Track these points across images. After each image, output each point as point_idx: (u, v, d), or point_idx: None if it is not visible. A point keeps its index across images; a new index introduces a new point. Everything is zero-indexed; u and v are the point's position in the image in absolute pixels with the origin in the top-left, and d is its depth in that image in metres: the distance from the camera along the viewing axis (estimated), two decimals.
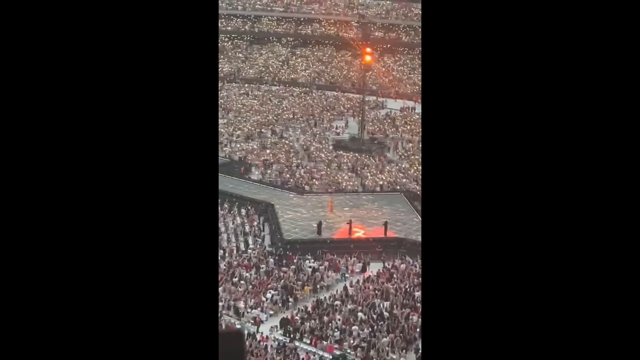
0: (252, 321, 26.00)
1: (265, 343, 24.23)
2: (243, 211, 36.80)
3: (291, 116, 58.47)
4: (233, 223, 35.55)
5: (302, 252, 31.82)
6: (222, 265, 30.58)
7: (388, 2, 76.88)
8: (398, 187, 41.16)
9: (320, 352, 23.97)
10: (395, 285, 28.31)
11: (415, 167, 44.11)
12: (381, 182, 42.01)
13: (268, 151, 48.02)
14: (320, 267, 30.51)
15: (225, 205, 37.29)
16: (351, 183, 42.12)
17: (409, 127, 54.21)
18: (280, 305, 27.37)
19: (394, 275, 29.54)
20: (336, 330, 24.89)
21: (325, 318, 25.77)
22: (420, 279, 26.50)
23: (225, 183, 40.51)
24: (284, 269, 30.23)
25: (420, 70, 58.46)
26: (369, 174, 43.25)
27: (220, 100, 63.30)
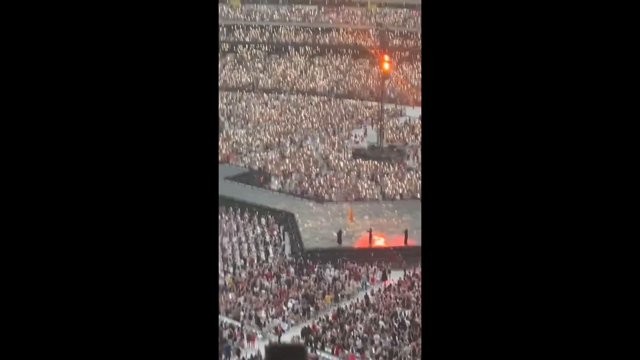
0: (274, 330, 25.97)
1: None
2: (263, 220, 36.84)
3: (310, 125, 58.52)
4: (253, 232, 35.60)
5: (323, 261, 31.77)
6: (243, 275, 30.62)
7: (405, 10, 76.88)
8: (418, 195, 41.01)
9: None
10: (416, 294, 28.16)
11: None
12: (401, 190, 41.88)
13: (287, 160, 48.07)
14: (341, 276, 30.45)
15: (245, 215, 37.36)
16: (371, 191, 42.02)
17: None
18: (301, 314, 27.33)
19: (415, 284, 29.39)
20: (358, 339, 24.79)
21: (347, 327, 25.69)
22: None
23: (245, 193, 40.61)
24: (305, 278, 30.20)
25: None
26: (388, 182, 43.14)
27: (239, 111, 63.54)
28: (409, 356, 23.62)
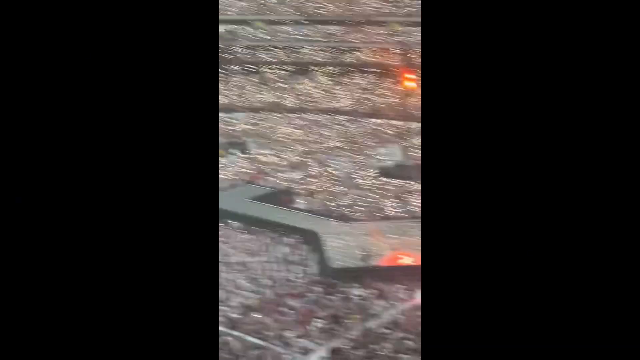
0: (302, 351, 25.85)
1: None
2: (289, 240, 36.81)
3: (335, 145, 58.56)
4: (279, 252, 35.57)
5: (349, 280, 31.62)
6: (270, 295, 30.57)
7: None
8: None
9: None
10: None
11: None
12: None
13: (312, 180, 48.10)
14: (368, 295, 30.26)
15: (271, 235, 37.37)
16: (396, 210, 41.84)
17: None
18: (328, 334, 27.18)
19: None
20: (386, 359, 24.57)
21: (374, 347, 25.48)
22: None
23: (271, 213, 40.66)
24: (331, 297, 30.06)
25: None
26: (414, 201, 42.91)
27: (265, 131, 63.80)
28: None
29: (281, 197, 44.84)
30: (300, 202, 44.42)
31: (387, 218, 40.49)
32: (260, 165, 52.36)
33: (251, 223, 38.92)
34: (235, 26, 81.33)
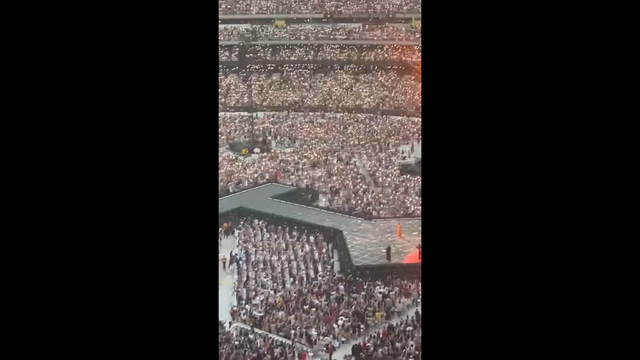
0: (325, 348, 25.90)
1: None
2: (312, 238, 36.90)
3: (356, 142, 58.57)
4: (302, 250, 35.67)
5: (372, 278, 31.63)
6: (293, 293, 30.67)
7: None
8: None
9: None
10: None
11: None
12: None
13: (335, 178, 48.15)
14: (391, 293, 30.25)
15: (294, 233, 37.49)
16: (419, 207, 41.74)
17: None
18: (351, 332, 27.21)
19: None
20: (410, 357, 24.55)
21: (398, 344, 25.47)
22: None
23: (293, 211, 40.77)
24: (355, 295, 30.09)
25: None
26: None
27: (287, 129, 64.00)
28: None
29: (303, 195, 44.95)
30: (323, 200, 44.49)
31: (409, 215, 40.41)
32: (282, 164, 52.52)
33: (274, 221, 39.07)
34: (256, 25, 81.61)
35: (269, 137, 61.42)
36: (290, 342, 26.36)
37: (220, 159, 52.95)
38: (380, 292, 30.30)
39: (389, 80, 75.74)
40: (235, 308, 29.50)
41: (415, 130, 61.35)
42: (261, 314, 28.66)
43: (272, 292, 30.81)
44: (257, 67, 77.58)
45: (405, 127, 62.99)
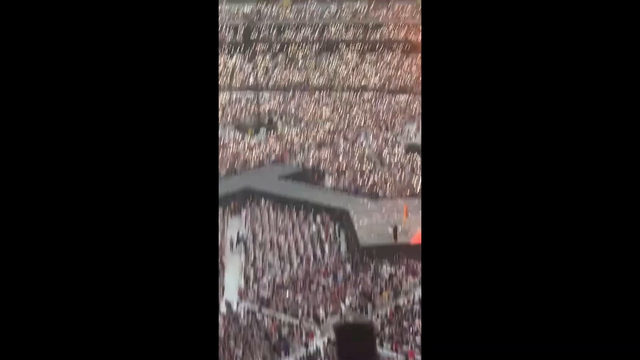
0: (332, 327, 26.05)
1: None
2: (318, 218, 36.96)
3: (362, 122, 58.43)
4: (309, 231, 35.75)
5: (379, 258, 31.70)
6: (300, 273, 30.79)
7: None
8: None
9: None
10: None
11: None
12: None
13: (341, 158, 48.10)
14: (397, 272, 30.33)
15: (301, 213, 37.54)
16: None
17: None
18: (359, 311, 27.33)
19: None
20: (417, 335, 24.66)
21: (405, 323, 25.58)
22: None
23: (299, 191, 40.81)
24: (362, 275, 30.19)
25: None
26: None
27: (292, 109, 63.84)
28: None
29: (310, 175, 44.95)
30: (329, 180, 44.48)
31: (416, 195, 40.37)
32: (288, 144, 52.46)
33: (280, 202, 39.12)
34: (261, 4, 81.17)
35: (275, 118, 61.30)
36: (297, 322, 26.51)
37: (226, 140, 52.91)
38: (387, 272, 30.39)
39: (395, 59, 75.36)
40: (242, 288, 29.64)
41: (421, 109, 61.14)
42: (269, 294, 28.80)
43: (279, 272, 30.93)
44: (262, 47, 77.27)
45: (412, 106, 62.76)
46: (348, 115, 60.84)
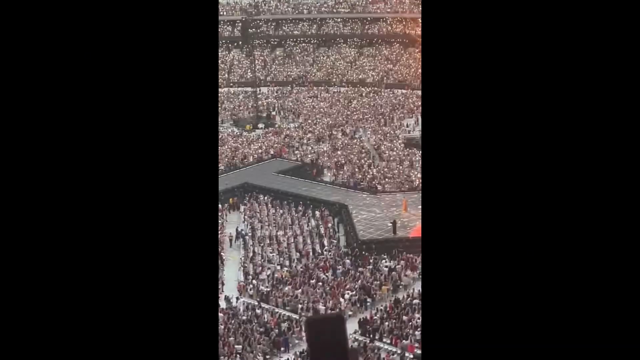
0: None
1: None
2: (317, 213, 36.98)
3: (361, 116, 58.41)
4: (308, 225, 35.77)
5: (378, 252, 31.74)
6: (299, 268, 30.81)
7: None
8: None
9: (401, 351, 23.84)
10: None
11: None
12: None
13: (339, 152, 48.11)
14: (397, 267, 30.36)
15: (300, 208, 37.55)
16: None
17: None
18: (358, 305, 27.38)
19: None
20: (417, 329, 24.70)
21: (405, 317, 25.62)
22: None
23: (298, 186, 40.82)
24: (361, 269, 30.22)
25: None
26: None
27: (290, 104, 63.82)
28: None
29: (308, 170, 44.96)
30: (328, 175, 44.50)
31: (414, 189, 40.41)
32: (286, 139, 52.45)
33: (279, 197, 39.15)
34: None
35: (273, 112, 61.28)
36: (297, 317, 26.54)
37: (225, 135, 52.88)
38: (386, 266, 30.42)
39: (393, 53, 75.30)
40: (242, 283, 29.67)
41: (419, 103, 61.14)
42: (268, 289, 28.82)
43: (278, 267, 30.95)
44: (260, 42, 77.17)
45: (410, 100, 62.75)
46: (346, 109, 60.82)
